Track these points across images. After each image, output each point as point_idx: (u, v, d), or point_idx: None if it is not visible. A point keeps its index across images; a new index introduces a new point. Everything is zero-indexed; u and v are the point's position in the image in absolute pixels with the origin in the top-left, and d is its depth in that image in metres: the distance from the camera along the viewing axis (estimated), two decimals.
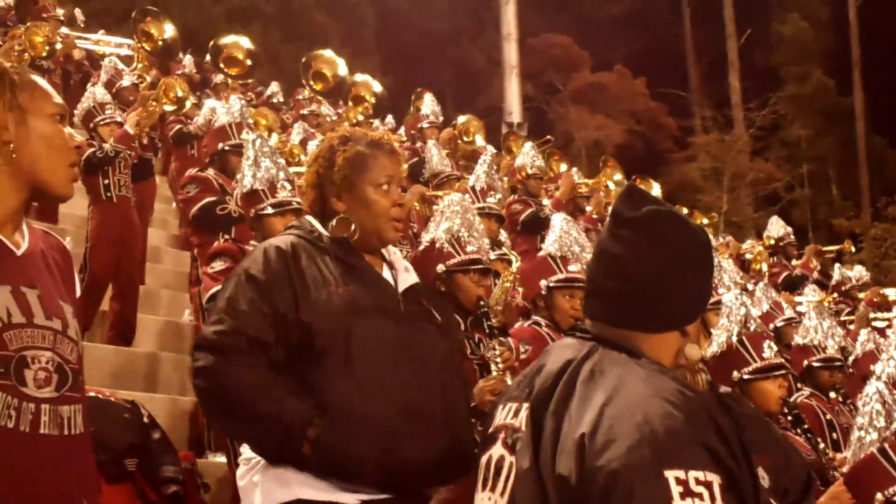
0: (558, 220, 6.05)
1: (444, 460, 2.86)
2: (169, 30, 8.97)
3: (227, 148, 7.06)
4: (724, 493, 1.84)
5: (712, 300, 5.08)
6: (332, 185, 3.11)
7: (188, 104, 9.59)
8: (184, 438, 6.12)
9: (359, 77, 12.72)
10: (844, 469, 3.86)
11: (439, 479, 2.96)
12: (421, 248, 5.02)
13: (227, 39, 11.30)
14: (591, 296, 2.24)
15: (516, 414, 2.20)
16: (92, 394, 5.12)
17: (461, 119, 12.49)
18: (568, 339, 2.24)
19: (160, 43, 8.95)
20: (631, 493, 1.83)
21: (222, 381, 2.81)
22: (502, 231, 8.15)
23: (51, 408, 2.27)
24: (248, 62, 11.08)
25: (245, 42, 11.18)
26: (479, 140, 13.61)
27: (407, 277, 3.11)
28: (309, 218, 3.18)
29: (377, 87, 12.58)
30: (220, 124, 7.32)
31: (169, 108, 8.74)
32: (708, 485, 1.84)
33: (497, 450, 2.21)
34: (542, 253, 5.72)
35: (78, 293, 2.57)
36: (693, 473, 1.84)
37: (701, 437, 1.91)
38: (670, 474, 1.83)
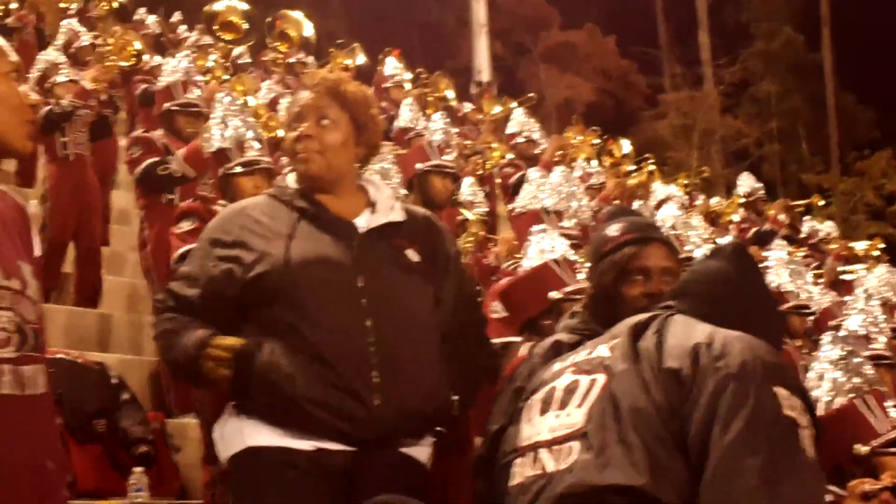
0: (556, 175, 6.04)
1: (402, 409, 2.81)
2: None
3: (173, 108, 7.03)
4: (808, 424, 2.14)
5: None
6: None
7: (147, 59, 9.47)
8: (148, 400, 6.10)
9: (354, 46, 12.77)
10: None
11: (403, 430, 2.87)
12: None
13: (220, 5, 11.16)
14: (677, 296, 2.48)
15: (590, 353, 2.42)
16: (60, 356, 5.11)
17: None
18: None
19: (116, 4, 8.88)
20: (746, 395, 2.09)
21: (157, 336, 3.02)
22: (476, 192, 8.15)
23: (11, 368, 2.24)
24: (245, 26, 10.96)
25: (241, 5, 11.05)
26: (450, 94, 13.62)
27: (384, 216, 3.04)
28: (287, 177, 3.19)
29: (361, 59, 12.55)
30: (165, 84, 7.28)
31: (125, 63, 8.65)
32: (802, 410, 2.14)
33: (562, 381, 2.39)
34: (535, 206, 5.68)
35: (37, 253, 2.53)
36: (794, 397, 2.14)
37: (795, 377, 2.26)
38: (778, 389, 2.12)
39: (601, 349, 2.39)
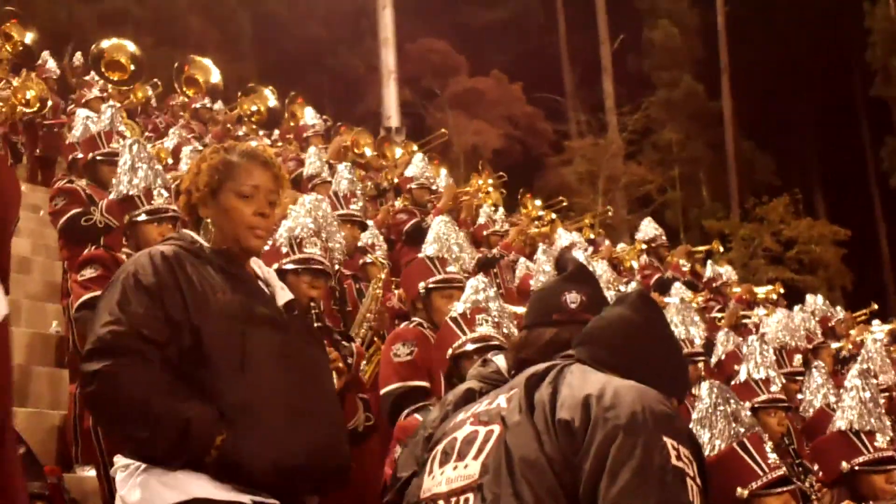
0: (437, 223, 6.14)
1: (328, 466, 2.95)
2: (30, 36, 8.76)
3: (98, 158, 6.95)
4: (696, 474, 2.15)
5: None
6: (198, 191, 3.16)
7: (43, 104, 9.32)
8: (52, 453, 5.96)
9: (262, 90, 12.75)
10: None
11: (321, 486, 3.02)
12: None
13: (107, 44, 11.06)
14: (580, 344, 2.45)
15: (490, 404, 2.42)
16: None
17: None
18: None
19: (20, 46, 8.72)
20: (634, 446, 2.09)
21: (120, 381, 2.78)
22: (377, 236, 8.17)
23: None
24: (132, 67, 10.85)
25: (129, 46, 10.95)
26: (368, 152, 13.69)
27: (283, 294, 3.19)
28: (188, 231, 3.20)
29: (272, 101, 12.56)
30: (89, 134, 7.20)
31: (28, 110, 8.52)
32: (690, 461, 2.14)
33: (463, 431, 2.39)
34: (420, 255, 5.77)
35: None
36: (682, 448, 2.14)
37: (685, 427, 2.25)
38: (668, 440, 2.12)
39: (500, 399, 2.40)
